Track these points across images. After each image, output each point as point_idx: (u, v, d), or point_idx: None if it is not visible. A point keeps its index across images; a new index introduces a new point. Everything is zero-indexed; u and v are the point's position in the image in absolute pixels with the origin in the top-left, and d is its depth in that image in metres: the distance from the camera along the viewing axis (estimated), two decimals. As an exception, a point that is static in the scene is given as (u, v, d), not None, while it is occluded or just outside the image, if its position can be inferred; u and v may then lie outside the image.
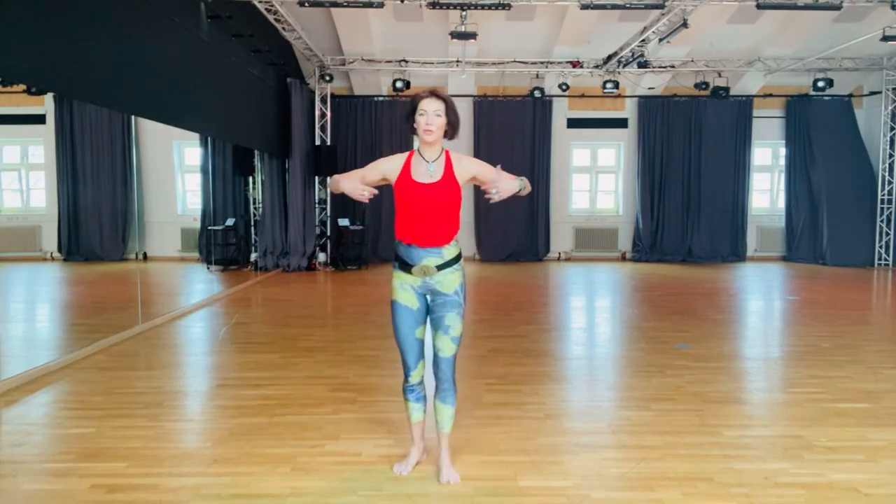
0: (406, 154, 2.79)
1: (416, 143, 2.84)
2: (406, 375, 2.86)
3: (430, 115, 2.68)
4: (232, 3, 7.95)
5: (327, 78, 11.50)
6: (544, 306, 7.81)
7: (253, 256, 11.31)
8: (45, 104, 11.19)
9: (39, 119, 11.29)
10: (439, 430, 2.88)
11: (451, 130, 2.75)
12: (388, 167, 2.76)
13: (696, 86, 11.74)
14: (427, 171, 2.72)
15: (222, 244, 11.23)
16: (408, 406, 2.92)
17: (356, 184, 2.65)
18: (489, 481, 2.85)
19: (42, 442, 3.34)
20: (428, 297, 2.79)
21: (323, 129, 12.02)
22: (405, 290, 2.77)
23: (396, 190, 2.74)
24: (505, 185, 2.63)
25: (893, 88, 12.11)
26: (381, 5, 8.01)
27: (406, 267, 2.74)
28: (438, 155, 2.75)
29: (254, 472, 2.92)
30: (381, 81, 12.22)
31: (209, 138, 10.87)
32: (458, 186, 2.74)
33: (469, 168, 2.78)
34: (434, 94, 2.71)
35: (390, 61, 11.40)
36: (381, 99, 12.47)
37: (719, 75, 11.71)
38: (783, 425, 3.58)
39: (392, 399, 3.95)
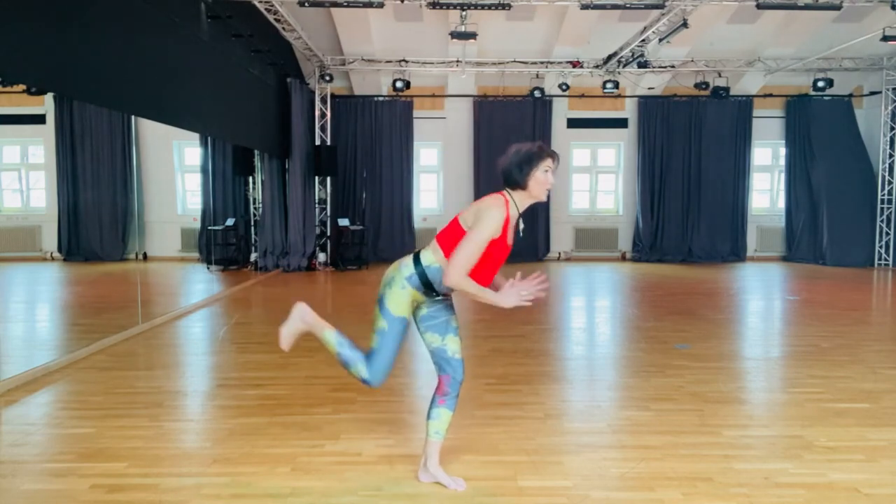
0: (505, 207, 2.53)
1: (513, 193, 2.61)
2: (369, 383, 2.66)
3: (551, 174, 2.57)
4: (232, 3, 7.96)
5: (327, 78, 11.50)
6: (544, 306, 7.81)
7: (253, 256, 11.32)
8: (45, 104, 11.21)
9: (39, 119, 11.30)
10: (438, 440, 2.77)
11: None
12: (500, 226, 2.50)
13: (696, 86, 11.75)
14: (515, 228, 2.62)
15: (222, 244, 11.24)
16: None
17: (513, 292, 2.46)
18: (489, 481, 2.84)
19: (42, 442, 3.33)
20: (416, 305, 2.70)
21: (323, 129, 12.02)
22: (412, 306, 2.64)
23: (493, 247, 2.52)
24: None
25: (893, 88, 12.12)
26: (381, 5, 8.02)
27: (430, 292, 2.63)
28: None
29: (254, 472, 2.92)
30: (381, 81, 12.22)
31: (209, 138, 10.88)
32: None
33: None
34: (552, 154, 2.60)
35: (390, 61, 11.40)
36: (381, 99, 12.47)
37: (719, 75, 11.71)
38: (783, 425, 3.58)
39: (392, 399, 3.95)
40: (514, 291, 2.47)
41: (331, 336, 2.72)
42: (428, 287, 2.60)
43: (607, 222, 13.27)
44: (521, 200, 2.60)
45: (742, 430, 3.49)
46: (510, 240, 2.60)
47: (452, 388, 2.72)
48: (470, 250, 2.46)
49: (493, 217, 2.48)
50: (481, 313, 7.10)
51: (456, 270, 2.44)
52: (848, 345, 5.53)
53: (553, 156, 2.59)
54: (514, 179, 2.56)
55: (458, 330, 2.78)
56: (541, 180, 2.55)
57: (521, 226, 2.64)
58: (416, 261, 2.60)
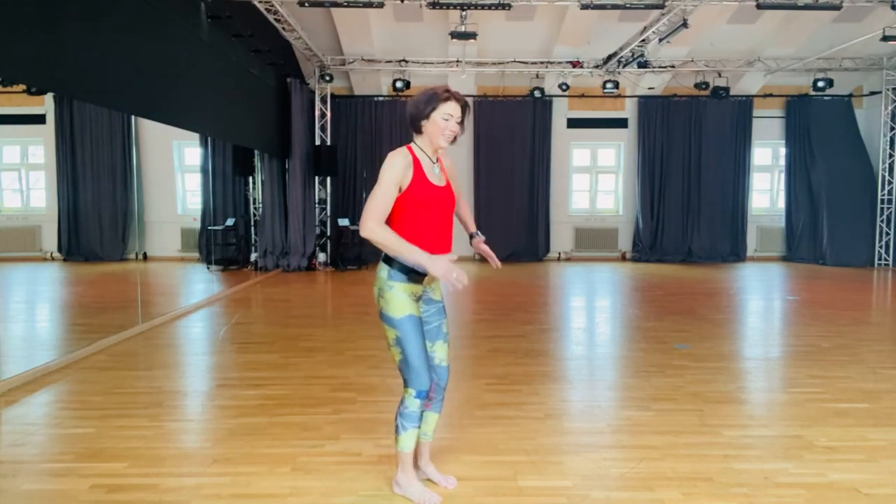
0: (407, 152, 2.48)
1: (417, 140, 2.59)
2: (423, 395, 2.53)
3: (454, 122, 2.46)
4: (232, 3, 7.95)
5: (327, 78, 11.50)
6: (544, 306, 7.81)
7: (253, 256, 11.31)
8: (45, 104, 11.19)
9: (39, 119, 11.29)
10: (426, 440, 2.78)
11: (460, 132, 2.57)
12: (403, 175, 2.42)
13: (696, 86, 11.74)
14: (434, 172, 2.52)
15: (222, 244, 11.24)
16: (410, 434, 2.59)
17: (445, 262, 2.34)
18: (489, 481, 2.85)
19: (42, 442, 3.34)
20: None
21: (323, 129, 12.02)
22: (413, 300, 2.53)
23: (413, 194, 2.44)
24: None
25: (893, 88, 12.12)
26: (381, 5, 8.02)
27: (416, 276, 2.51)
28: (436, 156, 2.59)
29: (254, 472, 2.92)
30: (381, 81, 12.22)
31: (209, 138, 10.87)
32: (454, 192, 2.62)
33: (451, 167, 2.68)
34: (459, 99, 2.47)
35: (390, 61, 11.40)
36: (381, 99, 12.47)
37: (719, 75, 11.71)
38: (783, 425, 3.58)
39: (392, 399, 3.95)
40: (449, 266, 2.34)
41: (411, 442, 2.63)
42: (412, 272, 2.50)
43: (607, 222, 13.27)
44: (424, 146, 2.52)
45: (742, 430, 3.49)
46: (435, 181, 2.50)
47: (437, 394, 2.69)
48: (375, 196, 2.39)
49: (390, 162, 2.42)
50: (481, 313, 7.10)
51: (366, 217, 2.37)
52: (848, 345, 5.53)
53: (457, 100, 2.46)
54: (413, 121, 2.50)
55: (448, 336, 2.73)
56: (439, 125, 2.44)
57: (437, 171, 2.54)
58: (388, 259, 2.54)
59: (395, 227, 2.48)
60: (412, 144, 2.55)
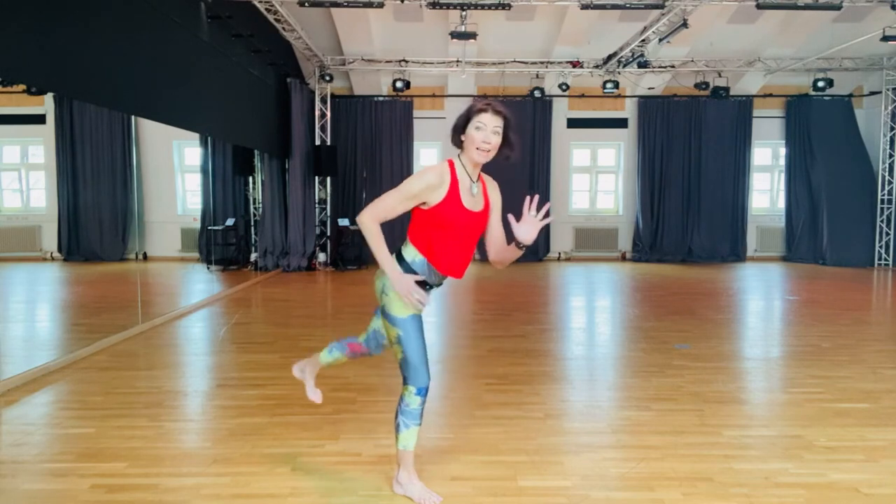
0: (447, 167, 2.42)
1: (458, 155, 2.51)
2: (423, 392, 2.53)
3: (489, 132, 2.39)
4: (232, 3, 7.95)
5: (327, 78, 11.50)
6: (544, 306, 7.81)
7: (253, 256, 11.32)
8: (45, 104, 11.20)
9: (39, 119, 11.29)
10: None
11: (509, 150, 2.45)
12: (428, 191, 2.37)
13: (696, 86, 11.74)
14: (471, 194, 2.45)
15: (222, 244, 11.24)
16: (412, 432, 2.58)
17: (410, 283, 2.36)
18: (489, 481, 2.85)
19: (42, 442, 3.34)
20: None
21: (323, 129, 12.02)
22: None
23: (441, 212, 2.38)
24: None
25: (893, 88, 12.11)
26: (381, 5, 8.01)
27: (424, 286, 2.50)
28: (478, 175, 2.50)
29: (254, 472, 2.92)
30: (381, 81, 12.22)
31: (209, 138, 10.88)
32: (489, 216, 2.54)
33: (497, 199, 2.59)
34: (494, 108, 2.41)
35: (390, 61, 11.40)
36: (381, 99, 12.47)
37: (719, 75, 11.70)
38: (783, 425, 3.58)
39: (392, 399, 3.95)
40: (411, 287, 2.35)
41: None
42: (419, 281, 2.48)
43: (607, 222, 13.26)
44: (466, 162, 2.47)
45: (742, 430, 3.49)
46: (468, 205, 2.44)
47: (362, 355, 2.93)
48: (385, 200, 2.38)
49: (423, 172, 2.40)
50: (481, 313, 7.10)
51: (368, 210, 2.38)
52: (848, 345, 5.53)
53: (495, 111, 2.40)
54: (453, 135, 2.47)
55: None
56: (472, 138, 2.40)
57: (475, 191, 2.48)
58: (400, 259, 2.49)
59: (417, 235, 2.47)
60: (455, 160, 2.49)
